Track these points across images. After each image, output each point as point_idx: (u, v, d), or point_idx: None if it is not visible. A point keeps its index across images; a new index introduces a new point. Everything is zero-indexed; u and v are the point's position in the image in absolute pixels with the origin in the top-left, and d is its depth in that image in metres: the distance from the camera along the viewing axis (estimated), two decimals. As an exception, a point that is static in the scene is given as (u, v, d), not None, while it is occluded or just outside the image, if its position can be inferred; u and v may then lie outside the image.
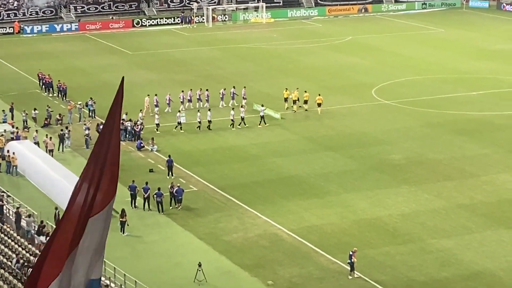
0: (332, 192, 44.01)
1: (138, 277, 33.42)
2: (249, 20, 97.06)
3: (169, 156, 47.50)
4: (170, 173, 46.53)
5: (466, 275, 35.17)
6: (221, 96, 59.70)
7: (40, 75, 65.90)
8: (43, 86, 64.98)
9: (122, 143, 52.55)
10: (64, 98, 61.71)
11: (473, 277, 35.01)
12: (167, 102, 58.58)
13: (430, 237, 38.61)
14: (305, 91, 59.12)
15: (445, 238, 38.50)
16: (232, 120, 55.00)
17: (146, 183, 42.75)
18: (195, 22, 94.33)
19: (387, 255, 36.77)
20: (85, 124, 53.24)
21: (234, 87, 60.56)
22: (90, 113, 57.43)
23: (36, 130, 52.77)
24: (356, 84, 66.47)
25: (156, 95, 58.73)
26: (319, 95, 58.83)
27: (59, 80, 63.57)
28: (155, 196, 41.91)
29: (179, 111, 55.89)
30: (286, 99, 59.40)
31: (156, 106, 57.98)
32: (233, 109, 56.26)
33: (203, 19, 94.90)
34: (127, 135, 53.17)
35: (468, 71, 70.88)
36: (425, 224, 40.09)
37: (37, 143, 50.27)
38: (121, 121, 53.56)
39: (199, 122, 54.63)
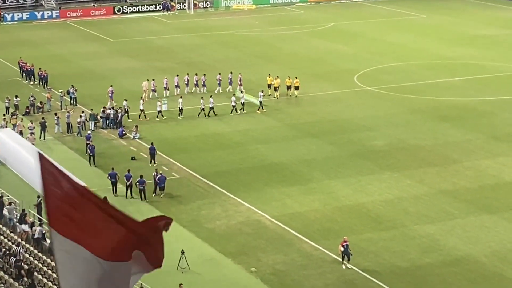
0: (315, 179, 43.96)
1: (121, 265, 33.18)
2: (231, 7, 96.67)
3: (152, 143, 47.26)
4: (152, 160, 46.30)
5: (449, 261, 35.26)
6: (218, 82, 59.62)
7: (20, 63, 65.37)
8: (24, 74, 64.46)
9: (103, 131, 52.39)
10: (45, 86, 61.25)
11: (456, 263, 35.10)
12: (165, 86, 58.62)
13: (412, 223, 38.69)
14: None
15: (428, 224, 38.58)
16: (233, 106, 54.96)
17: (128, 171, 42.52)
18: (177, 9, 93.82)
19: (370, 242, 36.80)
20: (68, 112, 52.88)
21: (231, 73, 60.49)
22: (72, 101, 57.05)
23: (31, 121, 52.26)
24: (339, 70, 66.40)
25: (153, 79, 58.70)
26: (296, 78, 58.96)
27: (40, 68, 63.06)
28: (137, 183, 41.70)
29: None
30: (269, 86, 59.33)
31: (154, 91, 58.10)
32: (234, 94, 56.32)
33: (184, 5, 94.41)
34: (109, 123, 52.88)
35: (450, 56, 70.97)
36: (407, 210, 40.16)
37: (33, 133, 49.70)
38: (103, 109, 53.48)
39: (202, 109, 54.35)
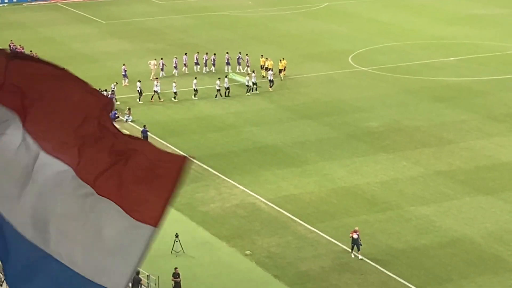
0: (310, 161, 43.61)
1: (114, 249, 32.90)
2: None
3: (144, 126, 46.85)
4: (145, 144, 45.86)
5: (445, 242, 35.03)
6: (226, 61, 59.38)
7: (11, 46, 64.75)
8: (15, 57, 63.89)
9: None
10: (36, 68, 60.69)
11: (452, 244, 34.88)
12: (174, 65, 58.59)
13: (408, 205, 38.41)
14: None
15: (424, 205, 38.32)
16: (247, 85, 54.89)
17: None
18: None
19: (366, 223, 36.50)
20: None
21: (240, 53, 60.28)
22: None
23: None
24: (333, 51, 65.90)
25: (162, 58, 58.71)
26: (283, 59, 58.64)
27: (31, 51, 62.40)
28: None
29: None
30: (262, 66, 58.95)
31: (162, 69, 58.09)
32: (248, 74, 56.21)
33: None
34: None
35: (445, 36, 70.50)
36: (403, 191, 39.87)
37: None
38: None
39: (218, 90, 54.09)
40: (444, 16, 78.54)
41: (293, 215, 37.52)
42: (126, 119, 50.36)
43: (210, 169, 42.78)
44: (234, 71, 59.02)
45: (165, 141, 46.75)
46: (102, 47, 67.69)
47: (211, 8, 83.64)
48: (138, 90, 53.54)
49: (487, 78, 58.41)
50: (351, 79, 58.46)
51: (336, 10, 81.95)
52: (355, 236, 33.68)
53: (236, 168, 42.95)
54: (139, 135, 46.64)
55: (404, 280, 32.44)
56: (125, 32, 73.64)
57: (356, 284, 32.31)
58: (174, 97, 53.72)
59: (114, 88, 53.35)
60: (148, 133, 46.24)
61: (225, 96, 54.14)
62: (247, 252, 34.49)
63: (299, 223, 36.82)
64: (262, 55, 60.04)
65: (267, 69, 58.17)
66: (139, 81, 54.15)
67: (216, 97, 53.95)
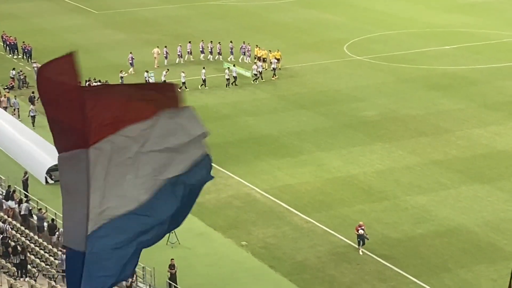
0: (305, 151, 43.42)
1: (109, 241, 32.70)
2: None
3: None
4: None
5: (441, 232, 34.90)
6: (230, 50, 59.24)
7: (4, 37, 64.35)
8: (7, 48, 63.50)
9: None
10: (29, 60, 60.31)
11: (449, 233, 34.74)
12: (178, 53, 58.75)
13: (404, 194, 38.26)
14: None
15: (420, 195, 38.17)
16: (255, 74, 54.88)
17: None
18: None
19: (362, 213, 36.34)
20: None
21: (244, 42, 60.18)
22: (57, 75, 56.17)
23: (33, 92, 51.69)
24: (328, 40, 65.63)
25: (165, 46, 58.64)
26: (278, 50, 58.28)
27: (23, 42, 62.09)
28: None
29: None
30: (255, 56, 58.65)
31: (166, 58, 58.12)
32: (255, 63, 56.20)
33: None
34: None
35: (440, 24, 70.27)
36: (399, 181, 39.71)
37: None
38: (89, 82, 52.70)
39: (227, 80, 54.08)
40: (440, 5, 78.29)
41: (289, 205, 37.35)
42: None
43: (205, 160, 42.53)
44: (237, 61, 58.68)
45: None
46: (95, 38, 67.31)
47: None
48: (145, 80, 53.27)
49: (483, 66, 58.23)
50: (346, 69, 58.23)
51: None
52: (360, 231, 33.30)
53: (232, 158, 42.74)
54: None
55: (401, 269, 32.30)
56: (118, 22, 73.25)
57: (352, 274, 32.16)
58: (180, 88, 53.40)
59: (122, 77, 53.32)
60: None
61: (235, 85, 54.06)
62: (243, 242, 34.33)
63: (295, 213, 36.67)
64: (257, 45, 59.77)
65: (259, 59, 57.92)
66: (147, 71, 54.01)
67: (226, 86, 53.79)
